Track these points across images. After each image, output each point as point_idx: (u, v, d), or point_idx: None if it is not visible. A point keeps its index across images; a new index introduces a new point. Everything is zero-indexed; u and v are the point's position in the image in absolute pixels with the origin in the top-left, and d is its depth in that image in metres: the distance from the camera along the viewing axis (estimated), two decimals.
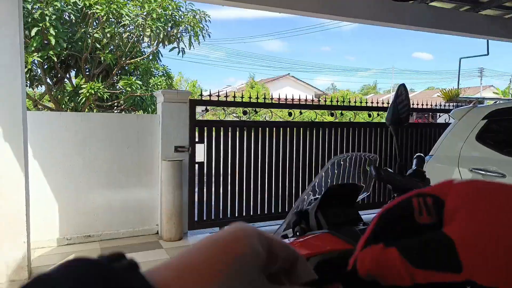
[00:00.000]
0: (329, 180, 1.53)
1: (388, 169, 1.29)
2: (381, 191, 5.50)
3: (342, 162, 1.55)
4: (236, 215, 4.66)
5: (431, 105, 5.94)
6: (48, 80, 6.72)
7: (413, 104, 5.40)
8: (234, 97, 4.62)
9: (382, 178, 1.21)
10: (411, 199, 0.28)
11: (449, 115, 4.67)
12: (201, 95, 4.55)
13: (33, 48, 5.60)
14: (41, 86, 7.11)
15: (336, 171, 1.54)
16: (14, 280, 3.08)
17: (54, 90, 6.85)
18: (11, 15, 2.97)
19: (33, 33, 5.43)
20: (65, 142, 3.97)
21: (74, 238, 4.04)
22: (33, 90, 7.29)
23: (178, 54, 7.17)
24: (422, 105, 5.82)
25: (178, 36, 7.03)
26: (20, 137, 3.05)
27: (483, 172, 2.58)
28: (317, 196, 1.51)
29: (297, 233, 1.42)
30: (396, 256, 0.26)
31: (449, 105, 6.24)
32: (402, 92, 1.38)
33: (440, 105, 6.19)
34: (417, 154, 1.44)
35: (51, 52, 5.72)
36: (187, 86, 22.05)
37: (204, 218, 4.51)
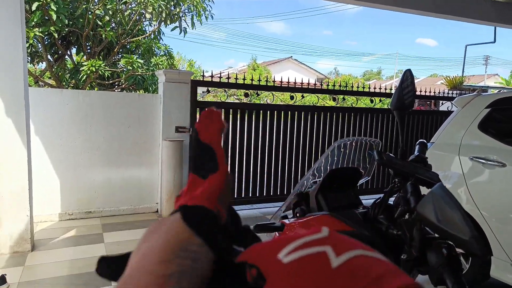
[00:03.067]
0: (333, 162, 1.54)
1: (390, 154, 1.30)
2: (381, 176, 5.53)
3: (345, 146, 1.55)
4: (236, 197, 4.70)
5: (434, 92, 5.90)
6: (49, 57, 6.65)
7: (416, 91, 5.36)
8: (236, 78, 4.58)
9: (384, 163, 1.21)
10: (246, 265, 0.26)
11: (452, 103, 4.66)
12: (202, 75, 4.51)
13: (33, 23, 5.52)
14: (42, 63, 7.05)
15: (338, 155, 1.55)
16: (17, 251, 3.16)
17: (55, 67, 6.80)
18: None
19: (33, 7, 5.34)
20: (66, 119, 3.97)
21: (76, 214, 4.09)
22: (34, 66, 7.23)
23: (180, 34, 7.08)
24: (425, 92, 5.79)
25: (181, 15, 6.92)
26: (22, 112, 3.04)
27: (483, 161, 2.58)
28: (319, 178, 1.52)
29: (297, 214, 1.44)
30: None
31: (452, 93, 6.21)
32: (408, 77, 1.38)
33: (444, 93, 6.15)
34: (419, 141, 1.44)
35: (52, 28, 5.64)
36: (186, 65, 21.85)
37: None
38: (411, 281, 0.22)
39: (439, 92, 6.07)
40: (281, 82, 4.98)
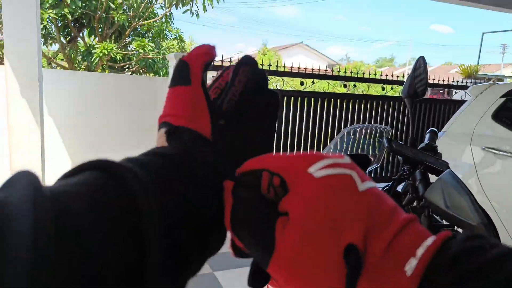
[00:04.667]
0: (344, 147, 1.54)
1: (400, 142, 1.29)
2: (390, 164, 5.50)
3: (355, 133, 1.55)
4: None
5: (448, 80, 5.79)
6: (62, 38, 6.68)
7: (429, 79, 5.28)
8: None
9: (393, 150, 1.21)
10: (263, 172, 0.25)
11: (465, 92, 4.58)
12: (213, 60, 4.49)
13: (48, 5, 5.54)
14: (55, 44, 7.09)
15: (348, 141, 1.55)
16: None
17: (68, 49, 6.84)
18: None
19: None
20: (78, 101, 4.01)
21: None
22: (47, 48, 7.28)
23: (192, 16, 7.03)
24: (439, 80, 5.68)
25: None
26: (36, 93, 3.09)
27: (495, 151, 2.55)
28: None
29: None
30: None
31: (467, 82, 6.08)
32: (420, 65, 1.36)
33: (458, 81, 6.04)
34: (430, 129, 1.43)
35: (66, 10, 5.66)
36: None
37: None
38: (413, 216, 0.24)
39: (453, 81, 5.95)
40: (292, 67, 4.93)
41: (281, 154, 0.26)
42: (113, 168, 0.23)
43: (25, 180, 0.18)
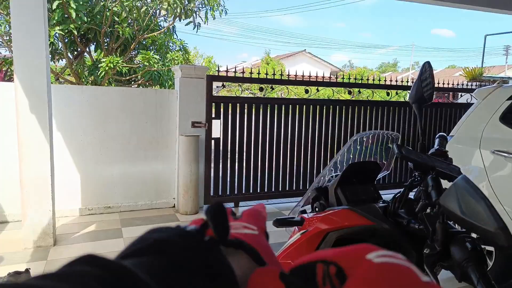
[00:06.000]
0: (351, 157, 1.54)
1: (409, 148, 1.29)
2: (399, 170, 5.47)
3: (363, 140, 1.55)
4: (251, 191, 4.73)
5: (453, 84, 5.78)
6: (69, 54, 6.79)
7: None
8: (251, 73, 4.59)
9: (404, 156, 1.21)
10: (317, 264, 0.24)
11: (471, 95, 4.55)
12: (218, 70, 4.54)
13: (54, 21, 5.64)
14: (62, 60, 7.20)
15: (358, 149, 1.55)
16: (40, 246, 3.25)
17: (75, 64, 6.93)
18: None
19: (54, 6, 5.46)
20: (86, 115, 4.05)
21: (95, 209, 4.19)
22: (55, 64, 7.39)
23: (193, 29, 7.11)
24: (443, 84, 5.67)
25: (195, 10, 6.94)
26: (45, 108, 3.13)
27: (505, 154, 2.53)
28: (337, 172, 1.52)
29: (316, 209, 1.44)
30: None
31: (471, 85, 6.06)
32: (426, 69, 1.36)
33: (462, 84, 6.02)
34: (439, 134, 1.43)
35: (72, 26, 5.76)
36: (203, 61, 21.92)
37: (220, 193, 4.60)
38: None
39: (457, 84, 5.94)
40: (296, 75, 4.96)
41: (331, 249, 0.26)
42: None
43: None
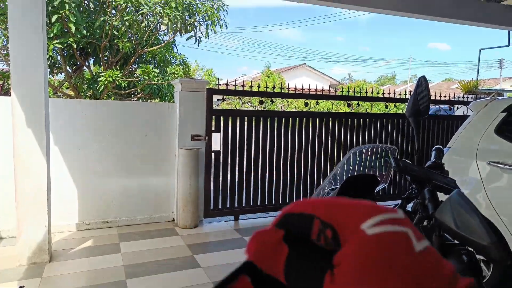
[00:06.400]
0: (350, 169, 1.55)
1: (407, 161, 1.31)
2: (398, 182, 5.48)
3: (361, 153, 1.57)
4: (251, 204, 4.72)
5: (449, 96, 5.85)
6: (67, 68, 6.84)
7: (431, 97, 5.32)
8: (251, 86, 4.64)
9: (401, 169, 1.23)
10: (314, 220, 0.24)
11: (467, 107, 4.60)
12: (218, 84, 4.58)
13: (53, 35, 5.70)
14: (61, 74, 7.25)
15: (354, 162, 1.57)
16: (35, 262, 3.16)
17: (74, 77, 6.98)
18: (35, 1, 3.01)
19: (53, 19, 5.52)
20: (84, 129, 4.06)
21: (93, 224, 4.15)
22: (53, 77, 7.44)
23: (195, 43, 7.20)
24: (440, 96, 5.73)
25: (195, 25, 7.04)
26: (42, 123, 3.12)
27: (501, 166, 2.56)
28: (336, 185, 1.54)
29: None
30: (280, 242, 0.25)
31: (467, 97, 6.13)
32: (422, 83, 1.39)
33: (459, 97, 6.08)
34: (436, 146, 1.45)
35: (71, 39, 5.82)
36: (203, 75, 22.08)
37: (220, 207, 4.59)
38: (472, 280, 0.23)
39: (453, 97, 6.00)
40: (295, 89, 5.01)
41: (331, 200, 0.26)
42: None
43: None
